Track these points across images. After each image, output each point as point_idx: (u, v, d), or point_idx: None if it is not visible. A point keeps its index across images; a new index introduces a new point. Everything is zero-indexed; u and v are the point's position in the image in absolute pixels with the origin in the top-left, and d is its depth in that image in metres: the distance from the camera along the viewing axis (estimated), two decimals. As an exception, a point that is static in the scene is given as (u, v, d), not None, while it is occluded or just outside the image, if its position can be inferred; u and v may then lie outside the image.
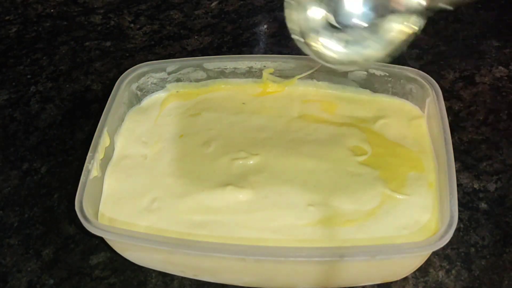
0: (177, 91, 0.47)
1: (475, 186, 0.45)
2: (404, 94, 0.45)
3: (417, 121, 0.44)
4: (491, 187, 0.45)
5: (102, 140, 0.41)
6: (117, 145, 0.43)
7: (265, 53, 0.59)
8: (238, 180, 0.40)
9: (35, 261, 0.43)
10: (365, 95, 0.46)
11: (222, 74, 0.46)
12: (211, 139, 0.43)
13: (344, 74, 0.45)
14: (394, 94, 0.46)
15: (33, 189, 0.48)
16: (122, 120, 0.45)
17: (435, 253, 0.40)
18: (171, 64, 0.46)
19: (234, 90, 0.47)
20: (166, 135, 0.44)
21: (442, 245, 0.33)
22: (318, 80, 0.46)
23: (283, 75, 0.46)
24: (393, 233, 0.37)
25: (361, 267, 0.35)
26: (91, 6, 0.66)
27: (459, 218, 0.34)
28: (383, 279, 0.38)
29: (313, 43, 0.31)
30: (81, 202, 0.36)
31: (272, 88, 0.47)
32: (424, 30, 0.31)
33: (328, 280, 0.36)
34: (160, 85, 0.47)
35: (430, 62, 0.56)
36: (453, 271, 0.40)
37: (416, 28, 0.29)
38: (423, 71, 0.44)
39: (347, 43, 0.30)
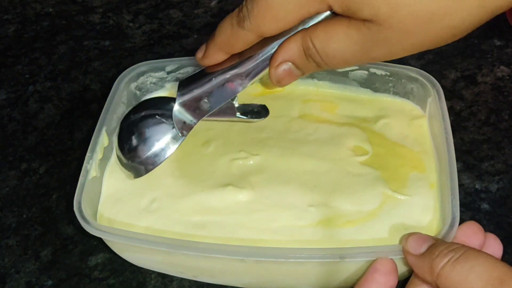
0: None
1: (476, 187, 0.45)
2: (405, 94, 0.45)
3: (419, 121, 0.44)
4: (493, 187, 0.45)
5: (101, 140, 0.40)
6: (116, 145, 0.43)
7: (265, 52, 0.59)
8: (238, 181, 0.40)
9: (33, 262, 0.43)
10: (366, 95, 0.46)
11: (221, 73, 0.46)
12: (211, 139, 0.43)
13: (345, 74, 0.45)
14: (395, 93, 0.45)
15: (31, 189, 0.48)
16: (121, 120, 0.45)
17: (436, 254, 0.40)
18: (171, 64, 0.46)
19: (233, 90, 0.47)
20: (165, 135, 0.44)
21: (444, 246, 0.32)
22: (319, 80, 0.46)
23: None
24: (394, 234, 0.36)
25: (362, 268, 0.34)
26: (90, 5, 0.66)
27: (460, 218, 0.34)
28: (384, 280, 0.37)
29: None
30: (79, 203, 0.36)
31: (272, 88, 0.46)
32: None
33: (329, 281, 0.36)
34: (159, 85, 0.47)
35: (431, 62, 0.55)
36: (455, 272, 0.39)
37: None
38: (424, 70, 0.43)
39: None
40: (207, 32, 0.61)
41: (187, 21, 0.63)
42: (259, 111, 0.41)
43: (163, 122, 0.37)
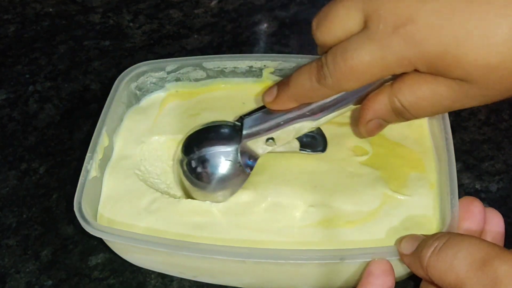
0: (176, 91, 0.47)
1: (476, 187, 0.45)
2: (405, 94, 0.45)
3: (418, 121, 0.43)
4: (493, 187, 0.45)
5: (101, 140, 0.40)
6: (116, 145, 0.43)
7: (265, 52, 0.59)
8: (238, 181, 0.40)
9: (33, 262, 0.43)
10: (366, 95, 0.46)
11: (222, 73, 0.46)
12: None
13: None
14: (395, 93, 0.45)
15: (31, 189, 0.48)
16: (121, 120, 0.45)
17: (436, 254, 0.40)
18: (171, 64, 0.46)
19: (234, 90, 0.47)
20: (166, 135, 0.44)
21: (444, 247, 0.32)
22: (319, 80, 0.46)
23: (284, 75, 0.46)
24: (394, 234, 0.36)
25: (362, 269, 0.34)
26: (90, 5, 0.66)
27: (460, 218, 0.34)
28: (384, 280, 0.37)
29: None
30: (79, 203, 0.36)
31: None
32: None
33: (329, 282, 0.36)
34: (159, 85, 0.47)
35: (431, 62, 0.55)
36: (455, 272, 0.39)
37: None
38: (424, 70, 0.43)
39: None
40: (207, 32, 0.61)
41: (187, 21, 0.63)
42: (318, 141, 0.41)
43: (229, 160, 0.37)
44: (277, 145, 0.38)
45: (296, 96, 0.35)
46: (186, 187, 0.39)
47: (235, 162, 0.37)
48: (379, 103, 0.33)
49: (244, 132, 0.37)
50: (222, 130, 0.39)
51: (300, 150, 0.39)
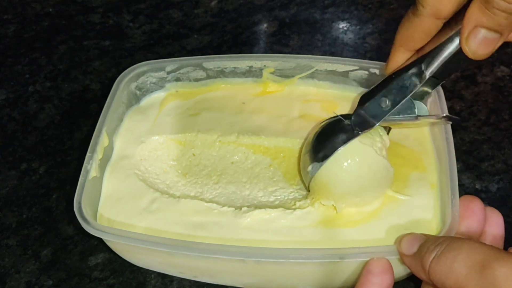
0: (176, 91, 0.47)
1: (476, 187, 0.45)
2: (405, 94, 0.45)
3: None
4: (493, 187, 0.45)
5: (101, 140, 0.40)
6: (116, 145, 0.43)
7: (265, 52, 0.59)
8: (238, 181, 0.40)
9: (33, 262, 0.43)
10: (366, 95, 0.46)
11: (222, 73, 0.46)
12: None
13: (345, 74, 0.45)
14: (395, 93, 0.45)
15: (31, 189, 0.47)
16: (121, 120, 0.45)
17: (436, 254, 0.40)
18: (171, 64, 0.46)
19: (234, 90, 0.47)
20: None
21: (444, 247, 0.32)
22: (319, 80, 0.46)
23: (284, 75, 0.46)
24: (395, 234, 0.36)
25: (361, 268, 0.34)
26: (90, 5, 0.66)
27: (461, 218, 0.34)
28: (384, 280, 0.37)
29: None
30: (79, 203, 0.36)
31: (272, 88, 0.46)
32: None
33: (329, 281, 0.36)
34: (159, 85, 0.47)
35: (431, 62, 0.55)
36: (455, 272, 0.39)
37: None
38: (424, 70, 0.43)
39: None
40: (207, 32, 0.61)
41: (187, 21, 0.63)
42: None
43: (342, 121, 0.38)
44: (392, 105, 0.37)
45: (401, 42, 0.36)
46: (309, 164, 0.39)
47: (347, 124, 0.38)
48: (470, 8, 0.30)
49: (360, 97, 0.38)
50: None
51: (418, 116, 0.38)
